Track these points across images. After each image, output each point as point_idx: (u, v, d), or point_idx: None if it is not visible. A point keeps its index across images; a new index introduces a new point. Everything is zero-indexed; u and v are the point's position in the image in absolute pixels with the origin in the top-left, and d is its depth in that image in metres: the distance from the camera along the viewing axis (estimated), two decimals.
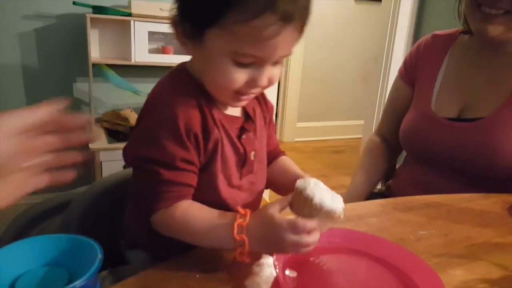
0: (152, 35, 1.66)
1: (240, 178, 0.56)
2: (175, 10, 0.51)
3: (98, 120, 1.75)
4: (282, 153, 0.65)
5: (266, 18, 0.43)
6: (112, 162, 1.55)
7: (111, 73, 1.61)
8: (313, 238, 0.44)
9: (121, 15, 1.57)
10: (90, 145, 1.50)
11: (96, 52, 1.67)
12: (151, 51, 1.68)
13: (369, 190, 0.91)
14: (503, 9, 0.69)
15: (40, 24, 1.63)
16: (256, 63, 0.47)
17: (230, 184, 0.54)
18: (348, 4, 3.61)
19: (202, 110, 0.51)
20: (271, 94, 2.07)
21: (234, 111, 0.56)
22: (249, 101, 0.55)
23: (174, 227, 0.49)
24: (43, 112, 0.39)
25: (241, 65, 0.47)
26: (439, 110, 0.83)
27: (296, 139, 3.37)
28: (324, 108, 3.48)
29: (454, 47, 0.88)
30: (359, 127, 3.61)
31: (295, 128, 3.35)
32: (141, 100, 1.86)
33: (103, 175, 1.53)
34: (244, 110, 0.57)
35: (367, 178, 0.93)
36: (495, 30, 0.71)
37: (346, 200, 0.55)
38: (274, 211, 0.46)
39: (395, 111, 0.95)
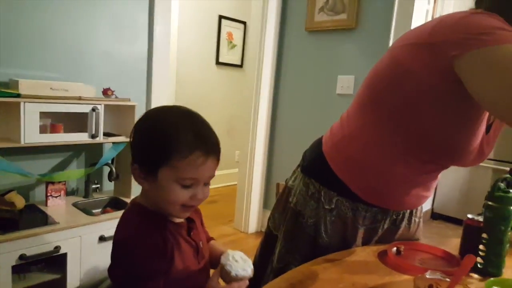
0: (41, 114, 1.62)
1: (199, 263, 0.79)
2: (132, 161, 0.77)
3: None
4: (212, 239, 0.95)
5: (196, 154, 0.71)
6: (7, 254, 1.42)
7: None
8: None
9: (9, 97, 1.50)
10: None
11: None
12: (40, 130, 1.63)
13: None
14: None
15: None
16: (194, 183, 0.74)
17: (191, 272, 0.77)
18: (211, 68, 4.06)
19: (160, 231, 0.75)
20: None
21: (180, 220, 0.81)
22: None
23: None
24: None
25: (184, 186, 0.73)
26: None
27: None
28: None
29: None
30: (230, 175, 3.98)
31: None
32: (26, 180, 1.74)
33: None
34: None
35: None
36: None
37: None
38: (216, 284, 0.75)
39: None
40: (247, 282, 0.77)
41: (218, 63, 4.03)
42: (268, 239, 1.13)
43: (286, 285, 0.80)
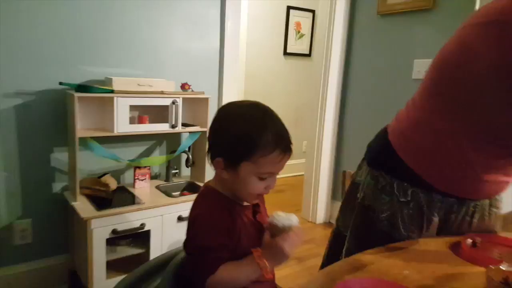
0: (130, 107, 1.82)
1: (260, 243, 0.87)
2: (213, 153, 0.85)
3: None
4: None
5: (276, 152, 0.80)
6: (102, 228, 1.64)
7: (96, 145, 1.72)
8: (295, 239, 0.83)
9: (105, 92, 1.71)
10: (82, 215, 1.58)
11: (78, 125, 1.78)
12: (130, 121, 1.83)
13: None
14: None
15: (19, 101, 1.70)
16: (270, 176, 0.83)
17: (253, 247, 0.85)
18: (279, 58, 4.10)
19: (230, 212, 0.84)
20: None
21: (247, 203, 0.90)
22: None
23: (225, 281, 0.79)
24: None
25: (262, 179, 0.82)
26: None
27: None
28: None
29: None
30: (296, 165, 4.02)
31: None
32: (118, 165, 1.97)
33: (95, 242, 1.61)
34: None
35: None
36: None
37: None
38: (268, 239, 0.85)
39: None
40: (300, 232, 0.86)
41: (286, 53, 4.07)
42: (336, 239, 1.13)
43: (349, 268, 0.83)
